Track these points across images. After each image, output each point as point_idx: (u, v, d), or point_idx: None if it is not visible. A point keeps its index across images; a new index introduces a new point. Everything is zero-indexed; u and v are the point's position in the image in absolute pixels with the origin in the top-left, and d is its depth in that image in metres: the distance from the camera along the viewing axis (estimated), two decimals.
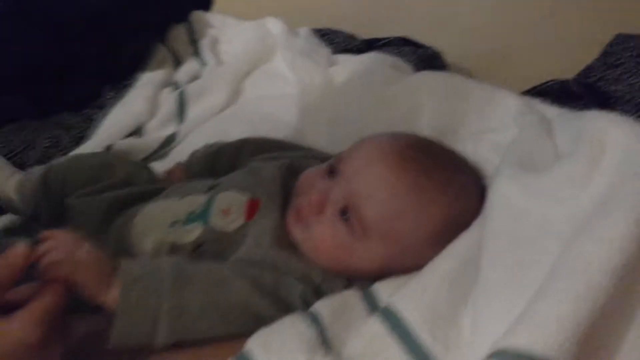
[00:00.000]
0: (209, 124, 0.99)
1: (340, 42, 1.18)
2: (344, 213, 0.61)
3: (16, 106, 1.01)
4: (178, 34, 1.19)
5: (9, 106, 1.00)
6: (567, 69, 0.96)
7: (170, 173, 0.85)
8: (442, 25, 1.48)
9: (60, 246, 0.54)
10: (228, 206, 0.66)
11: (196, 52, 1.16)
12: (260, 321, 0.54)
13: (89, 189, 0.73)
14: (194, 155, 0.85)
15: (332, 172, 0.64)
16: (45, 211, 0.75)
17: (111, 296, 0.53)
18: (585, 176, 0.53)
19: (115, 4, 1.06)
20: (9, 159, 0.91)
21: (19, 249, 0.50)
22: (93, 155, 0.87)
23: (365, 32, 1.24)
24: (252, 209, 0.65)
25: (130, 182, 0.76)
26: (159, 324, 0.53)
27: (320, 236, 0.61)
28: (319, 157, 0.76)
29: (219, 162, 0.81)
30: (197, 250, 0.64)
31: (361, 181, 0.61)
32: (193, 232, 0.64)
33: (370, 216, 0.60)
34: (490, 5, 1.52)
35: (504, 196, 0.56)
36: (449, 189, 0.62)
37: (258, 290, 0.56)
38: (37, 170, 0.80)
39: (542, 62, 1.20)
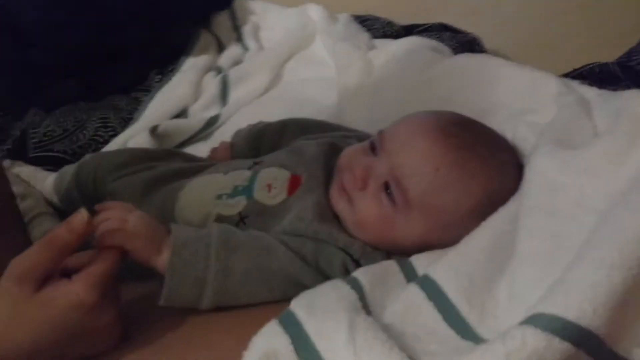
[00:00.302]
0: (251, 106, 1.02)
1: (379, 28, 1.19)
2: (387, 188, 0.62)
3: (70, 89, 1.06)
4: (221, 20, 1.23)
5: (63, 89, 1.05)
6: (606, 56, 0.95)
7: (215, 151, 0.88)
8: (481, 12, 1.47)
9: (114, 215, 0.57)
10: (271, 181, 0.68)
11: (239, 38, 1.20)
12: (301, 288, 0.56)
13: (124, 171, 0.76)
14: (238, 134, 0.87)
15: (374, 149, 0.65)
16: (82, 203, 0.78)
17: (161, 260, 0.56)
18: (623, 152, 0.54)
19: None
20: (62, 138, 0.96)
21: (82, 215, 0.53)
22: (122, 149, 0.91)
23: (403, 20, 1.25)
24: (294, 184, 0.67)
25: (164, 163, 0.79)
26: (206, 287, 0.56)
27: (364, 210, 0.63)
28: (360, 136, 0.77)
29: (263, 141, 0.84)
30: (242, 222, 0.66)
31: (404, 156, 0.62)
32: (238, 205, 0.67)
33: (413, 191, 0.61)
34: None
35: (542, 171, 0.57)
36: (490, 165, 0.63)
37: (300, 258, 0.59)
38: (69, 168, 0.84)
39: (581, 49, 1.19)
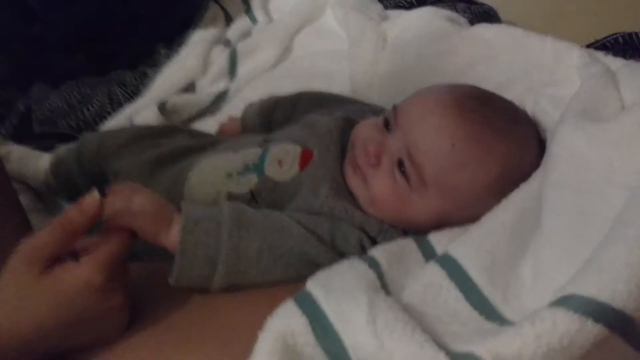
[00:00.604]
0: (260, 80, 0.99)
1: None
2: (401, 165, 0.60)
3: (76, 64, 1.03)
4: None
5: (69, 64, 1.03)
6: (628, 26, 0.92)
7: (224, 126, 0.86)
8: None
9: (121, 196, 0.55)
10: (282, 157, 0.66)
11: (247, 10, 1.16)
12: (316, 268, 0.54)
13: (129, 150, 0.74)
14: (249, 108, 0.85)
15: (388, 124, 0.63)
16: (83, 183, 0.77)
17: (171, 238, 0.54)
18: None
19: None
20: (67, 113, 0.94)
21: (93, 197, 0.52)
22: (124, 127, 0.89)
23: None
24: (306, 159, 0.65)
25: (168, 140, 0.77)
26: (217, 266, 0.54)
27: (378, 188, 0.61)
28: (376, 110, 0.75)
29: (275, 115, 0.82)
30: (254, 200, 0.65)
31: (419, 132, 0.60)
32: (250, 182, 0.65)
33: (428, 168, 0.59)
34: None
35: (568, 145, 0.54)
36: (509, 140, 0.61)
37: (316, 238, 0.57)
38: (65, 148, 0.82)
39: (601, 20, 1.15)
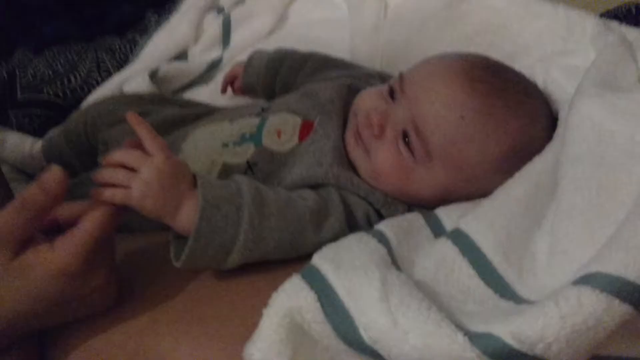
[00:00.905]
0: (255, 49, 0.95)
1: None
2: (406, 136, 0.57)
3: (60, 29, 0.99)
4: None
5: (53, 29, 0.98)
6: None
7: (227, 77, 0.84)
8: None
9: (119, 175, 0.49)
10: (281, 127, 0.63)
11: None
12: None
13: (117, 118, 0.70)
14: (256, 54, 0.82)
15: (393, 93, 0.60)
16: (77, 164, 0.75)
17: (184, 219, 0.49)
18: None
19: None
20: (53, 80, 0.90)
21: (54, 173, 0.46)
22: (112, 96, 0.85)
23: None
24: (306, 130, 0.63)
25: (159, 109, 0.74)
26: (232, 252, 0.50)
27: (381, 160, 0.58)
28: (384, 77, 0.72)
29: (280, 73, 0.79)
30: (250, 170, 0.61)
31: (425, 102, 0.57)
32: (246, 152, 0.62)
33: (434, 140, 0.56)
34: None
35: (587, 116, 0.51)
36: (519, 113, 0.58)
37: (332, 219, 0.54)
38: (54, 130, 0.79)
39: None
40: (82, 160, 0.76)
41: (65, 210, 0.50)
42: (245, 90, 0.84)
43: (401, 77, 0.61)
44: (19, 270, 0.44)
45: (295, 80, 0.77)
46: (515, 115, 0.58)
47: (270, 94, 0.80)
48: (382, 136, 0.58)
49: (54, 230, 0.48)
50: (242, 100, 0.86)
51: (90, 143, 0.73)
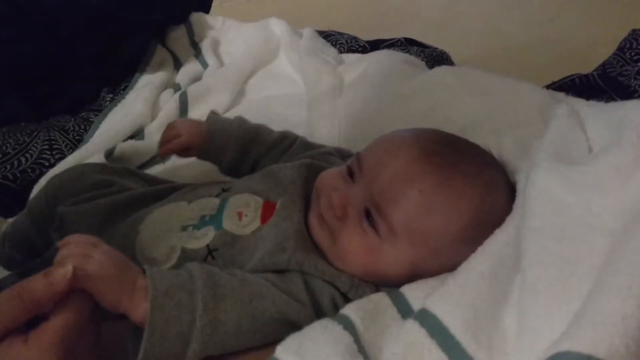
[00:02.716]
0: None
1: (344, 43, 1.15)
2: (369, 215, 0.57)
3: (11, 108, 0.97)
4: (178, 35, 1.16)
5: (4, 108, 0.96)
6: (575, 68, 0.93)
7: (167, 136, 0.76)
8: (444, 28, 1.46)
9: (75, 251, 0.48)
10: (242, 209, 0.62)
11: (197, 55, 1.13)
12: (297, 329, 0.50)
13: (80, 197, 0.68)
14: (217, 127, 0.76)
15: (352, 173, 0.60)
16: (41, 243, 0.72)
17: (138, 309, 0.48)
18: (632, 165, 0.50)
19: (112, 2, 1.02)
20: (2, 162, 0.87)
21: (67, 269, 0.45)
22: (75, 166, 0.82)
23: (367, 36, 1.21)
24: (268, 212, 0.61)
25: (122, 181, 0.71)
26: (192, 341, 0.49)
27: (347, 243, 0.57)
28: (342, 153, 0.72)
29: (249, 157, 0.76)
30: (210, 255, 0.59)
31: (384, 180, 0.57)
32: (206, 237, 0.60)
33: (397, 216, 0.56)
34: (492, 7, 1.50)
35: (544, 189, 0.52)
36: (478, 183, 0.58)
37: (294, 299, 0.53)
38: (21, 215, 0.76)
39: (551, 62, 1.18)
40: (45, 238, 0.72)
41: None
42: (201, 157, 0.77)
43: (357, 156, 0.61)
44: None
45: (264, 163, 0.75)
46: (474, 185, 0.58)
47: (231, 172, 0.78)
48: (345, 217, 0.57)
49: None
50: (201, 177, 0.85)
51: (51, 214, 0.70)
